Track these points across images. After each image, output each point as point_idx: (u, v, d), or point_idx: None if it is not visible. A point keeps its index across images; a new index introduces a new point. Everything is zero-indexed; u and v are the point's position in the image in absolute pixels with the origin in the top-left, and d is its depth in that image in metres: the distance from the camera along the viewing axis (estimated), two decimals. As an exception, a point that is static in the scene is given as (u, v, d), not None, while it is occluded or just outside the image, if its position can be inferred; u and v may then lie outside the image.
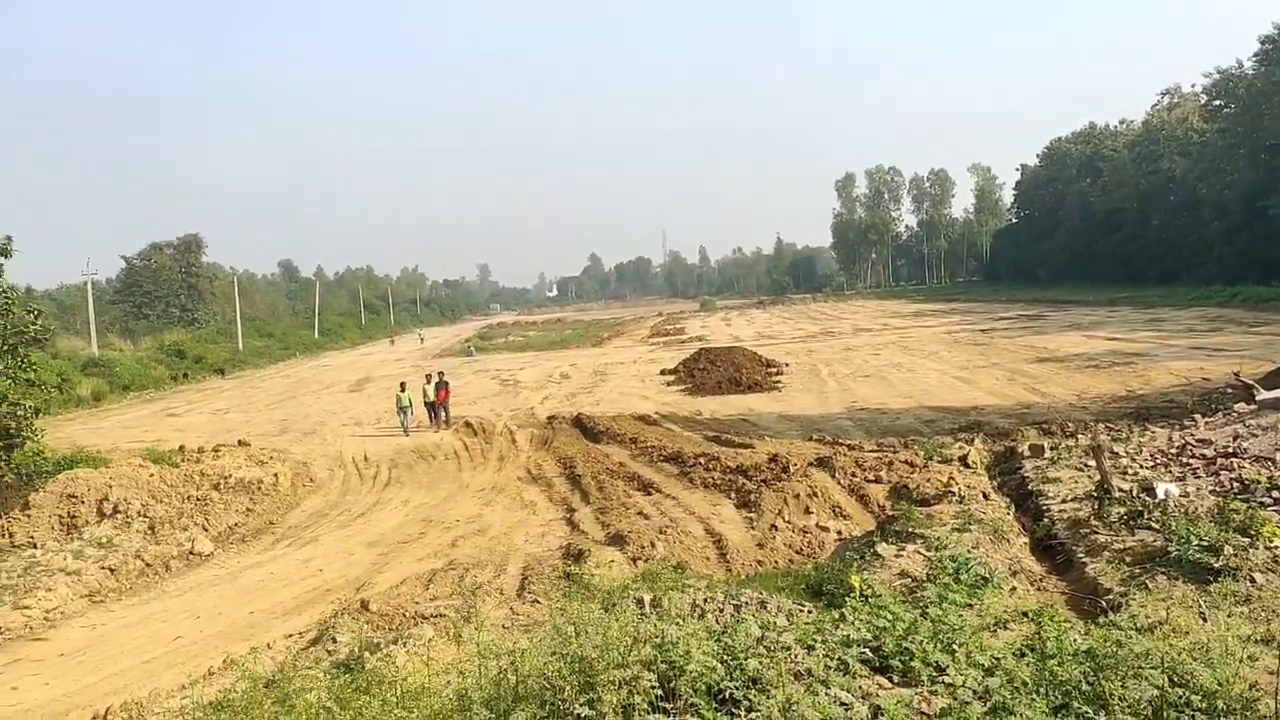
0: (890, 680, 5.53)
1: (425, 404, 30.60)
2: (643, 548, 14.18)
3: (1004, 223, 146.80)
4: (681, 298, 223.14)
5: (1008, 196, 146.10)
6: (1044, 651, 6.21)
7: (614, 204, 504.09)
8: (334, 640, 10.85)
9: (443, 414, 30.48)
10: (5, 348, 21.18)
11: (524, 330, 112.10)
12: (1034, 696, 5.34)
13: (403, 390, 30.61)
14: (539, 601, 12.03)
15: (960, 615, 6.42)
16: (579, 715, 4.25)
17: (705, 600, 9.15)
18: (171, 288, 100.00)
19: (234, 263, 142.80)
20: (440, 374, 32.36)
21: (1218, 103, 78.91)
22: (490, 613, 11.16)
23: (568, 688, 4.44)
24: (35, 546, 17.43)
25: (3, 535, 17.78)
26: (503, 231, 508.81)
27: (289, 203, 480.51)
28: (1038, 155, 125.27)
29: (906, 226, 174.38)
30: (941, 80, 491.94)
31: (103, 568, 16.11)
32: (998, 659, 5.81)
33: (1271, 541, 10.30)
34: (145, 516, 18.75)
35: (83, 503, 18.82)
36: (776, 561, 13.89)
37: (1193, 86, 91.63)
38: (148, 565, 16.55)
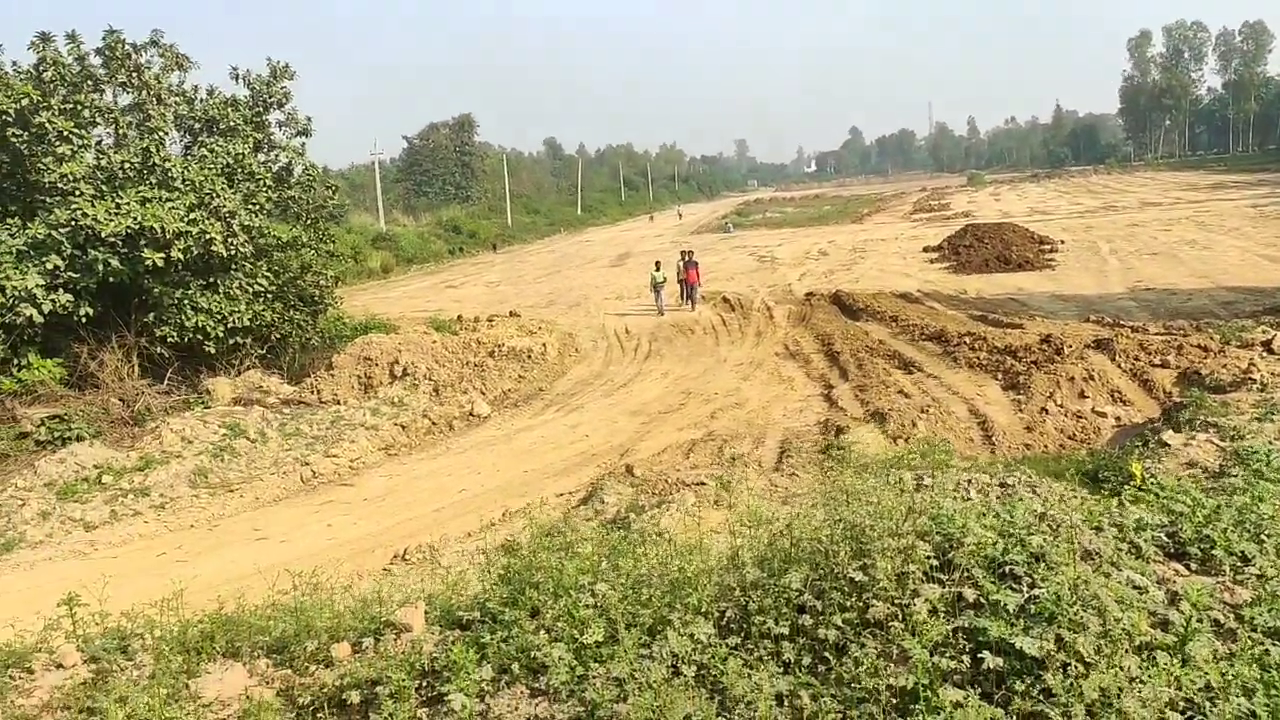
0: (1187, 568, 5.19)
1: (679, 280, 30.86)
2: (903, 426, 13.91)
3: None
4: (947, 172, 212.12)
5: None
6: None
7: (875, 74, 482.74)
8: (602, 501, 11.46)
9: (691, 293, 30.23)
10: (308, 221, 23.21)
11: (781, 206, 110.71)
12: (1358, 594, 4.84)
13: (657, 269, 30.72)
14: (796, 474, 12.14)
15: (1271, 505, 5.88)
16: (852, 579, 4.27)
17: (969, 481, 8.88)
18: (447, 166, 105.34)
19: (502, 142, 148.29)
20: (689, 254, 31.71)
21: None
22: (750, 483, 11.38)
23: (841, 553, 4.45)
24: (339, 403, 19.31)
25: (312, 391, 19.80)
26: (760, 107, 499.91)
27: (554, 79, 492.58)
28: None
29: (1209, 89, 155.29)
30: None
31: (395, 424, 17.68)
32: (1315, 553, 5.30)
33: None
34: (430, 379, 20.30)
35: (377, 365, 20.59)
36: (1046, 446, 13.24)
37: None
38: (433, 424, 18.01)
